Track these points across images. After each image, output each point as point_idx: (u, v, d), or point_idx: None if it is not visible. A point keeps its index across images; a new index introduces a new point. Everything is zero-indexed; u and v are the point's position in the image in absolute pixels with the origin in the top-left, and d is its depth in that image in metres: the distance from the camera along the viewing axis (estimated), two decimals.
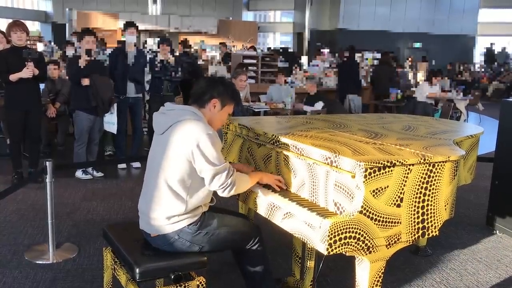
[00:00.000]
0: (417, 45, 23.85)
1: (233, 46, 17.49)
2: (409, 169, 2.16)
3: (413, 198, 2.20)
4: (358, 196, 2.10)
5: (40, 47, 14.01)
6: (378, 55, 13.92)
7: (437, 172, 2.23)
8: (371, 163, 2.08)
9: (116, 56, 6.06)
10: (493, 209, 4.52)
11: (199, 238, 2.42)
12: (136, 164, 6.31)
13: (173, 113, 2.44)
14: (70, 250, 3.73)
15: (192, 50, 13.20)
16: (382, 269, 2.21)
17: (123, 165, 6.31)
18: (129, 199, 5.01)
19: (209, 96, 2.48)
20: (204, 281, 2.41)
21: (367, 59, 14.16)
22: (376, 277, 2.20)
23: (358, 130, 2.96)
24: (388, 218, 2.15)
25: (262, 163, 2.84)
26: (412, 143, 2.57)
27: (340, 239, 2.05)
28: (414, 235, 2.24)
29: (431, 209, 2.25)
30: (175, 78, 6.74)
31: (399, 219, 2.18)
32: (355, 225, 2.07)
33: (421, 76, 12.66)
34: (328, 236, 2.02)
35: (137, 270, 2.27)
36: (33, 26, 22.63)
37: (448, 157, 2.26)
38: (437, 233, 2.30)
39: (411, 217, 2.21)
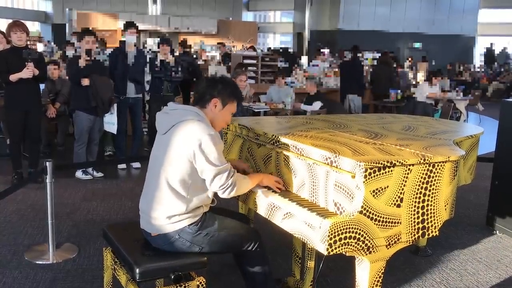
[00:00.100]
0: (417, 45, 23.84)
1: (233, 46, 17.50)
2: (409, 169, 2.16)
3: (413, 198, 2.20)
4: (358, 196, 2.10)
5: (40, 47, 14.03)
6: (378, 55, 13.93)
7: (437, 172, 2.23)
8: (371, 163, 2.08)
9: (116, 56, 6.06)
10: (493, 209, 4.52)
11: (199, 239, 2.42)
12: (136, 165, 6.31)
13: (175, 113, 2.45)
14: (70, 250, 3.73)
15: (192, 50, 13.20)
16: (382, 269, 2.21)
17: (123, 165, 6.32)
18: (129, 199, 5.01)
19: (210, 96, 2.49)
20: (204, 281, 2.41)
21: (367, 59, 14.20)
22: (376, 277, 2.20)
23: (358, 130, 2.96)
24: (388, 218, 2.15)
25: (262, 163, 2.84)
26: (412, 143, 2.57)
27: (340, 239, 2.05)
28: (414, 235, 2.24)
29: (431, 209, 2.25)
30: (175, 78, 6.73)
31: (399, 219, 2.18)
32: (355, 225, 2.07)
33: (421, 76, 12.64)
34: (328, 236, 2.02)
35: (137, 270, 2.27)
36: (33, 27, 22.68)
37: (448, 157, 2.26)
38: (437, 233, 2.30)
39: (411, 217, 2.21)
